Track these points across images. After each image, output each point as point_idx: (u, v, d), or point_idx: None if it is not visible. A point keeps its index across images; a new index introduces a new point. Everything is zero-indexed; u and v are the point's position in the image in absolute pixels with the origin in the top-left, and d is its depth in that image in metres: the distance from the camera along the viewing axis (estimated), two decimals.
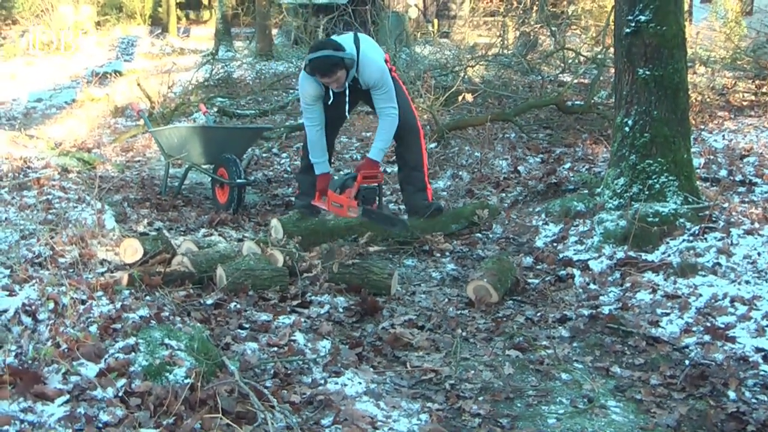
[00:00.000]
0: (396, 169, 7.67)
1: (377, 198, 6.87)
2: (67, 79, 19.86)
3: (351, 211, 6.71)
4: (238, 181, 7.81)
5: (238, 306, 5.00)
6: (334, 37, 7.02)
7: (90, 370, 3.56)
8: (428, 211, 7.04)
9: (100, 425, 3.21)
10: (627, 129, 6.61)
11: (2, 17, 32.85)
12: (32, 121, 13.84)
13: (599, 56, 11.97)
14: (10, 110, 15.56)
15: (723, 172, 7.91)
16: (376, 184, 6.85)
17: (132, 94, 14.55)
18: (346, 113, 7.14)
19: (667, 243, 6.03)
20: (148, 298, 4.78)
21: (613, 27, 7.45)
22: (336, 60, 6.53)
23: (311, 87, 6.79)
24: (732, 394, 4.01)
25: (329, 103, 6.86)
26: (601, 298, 5.46)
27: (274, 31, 26.05)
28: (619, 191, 6.64)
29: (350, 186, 6.76)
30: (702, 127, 10.26)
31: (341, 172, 7.16)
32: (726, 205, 6.55)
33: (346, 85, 6.77)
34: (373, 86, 6.78)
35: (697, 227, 6.09)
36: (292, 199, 8.33)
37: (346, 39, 6.80)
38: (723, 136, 9.79)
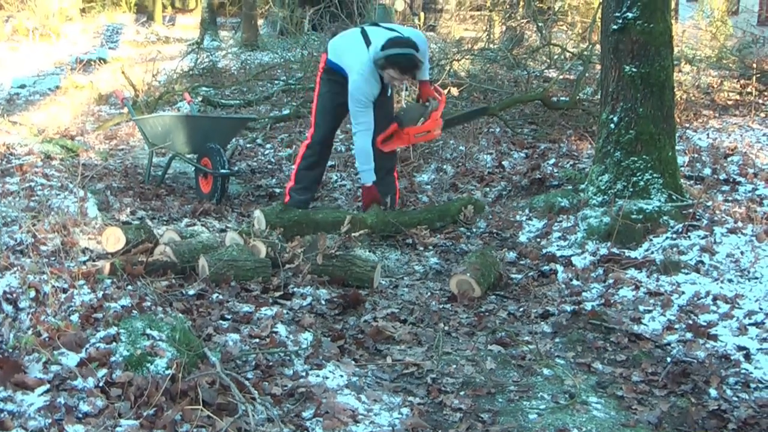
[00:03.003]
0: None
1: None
2: (51, 66, 19.72)
3: (437, 129, 7.21)
4: (222, 171, 7.78)
5: (220, 297, 4.98)
6: (351, 36, 7.12)
7: (71, 359, 3.54)
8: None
9: (80, 415, 3.20)
10: (612, 126, 6.61)
11: None
12: (15, 108, 13.74)
13: (585, 53, 11.97)
14: None
15: (707, 171, 7.93)
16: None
17: (116, 82, 14.47)
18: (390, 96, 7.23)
19: (651, 240, 6.05)
20: (129, 287, 4.75)
21: (599, 23, 7.44)
22: (418, 60, 6.72)
23: (374, 86, 6.81)
24: (713, 392, 4.02)
25: (384, 94, 6.98)
26: (583, 294, 5.47)
27: (260, 22, 25.93)
28: (603, 188, 6.65)
29: (435, 108, 7.10)
30: (687, 125, 10.28)
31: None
32: (710, 203, 6.56)
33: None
34: None
35: (681, 225, 6.11)
36: (276, 190, 8.32)
37: (376, 32, 6.95)
38: (707, 134, 9.81)
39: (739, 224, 6.10)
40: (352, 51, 6.89)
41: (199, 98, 12.38)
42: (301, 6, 21.13)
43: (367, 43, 6.81)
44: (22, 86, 16.43)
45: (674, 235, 6.03)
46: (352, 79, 6.74)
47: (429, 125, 7.05)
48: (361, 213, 6.78)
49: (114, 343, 3.68)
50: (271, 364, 4.11)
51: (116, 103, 13.51)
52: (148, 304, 4.48)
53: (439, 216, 7.08)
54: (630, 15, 6.45)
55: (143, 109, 11.11)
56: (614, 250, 6.01)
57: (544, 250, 6.37)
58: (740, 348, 4.49)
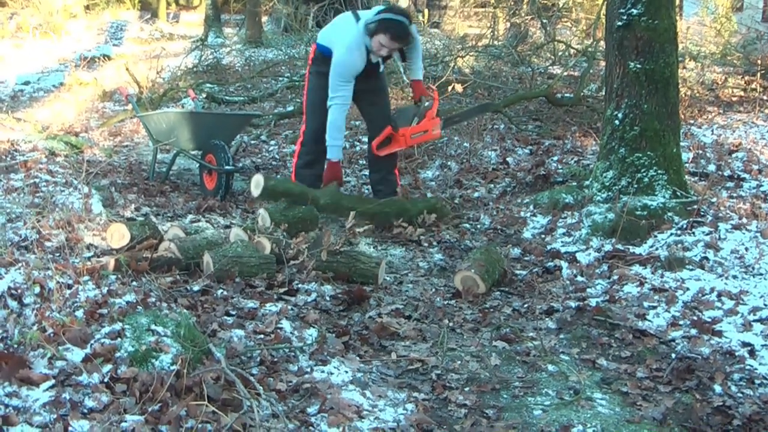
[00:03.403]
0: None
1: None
2: (55, 63, 19.74)
3: (436, 129, 7.20)
4: (227, 167, 7.77)
5: (225, 293, 4.98)
6: (341, 17, 7.18)
7: (76, 355, 3.54)
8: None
9: (86, 411, 3.20)
10: (617, 122, 6.61)
11: None
12: (20, 104, 13.76)
13: (590, 49, 11.97)
14: None
15: (711, 167, 7.93)
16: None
17: (120, 79, 14.48)
18: (381, 73, 7.22)
19: (655, 236, 6.05)
20: (134, 283, 4.75)
21: (604, 20, 7.44)
22: (410, 30, 6.76)
23: (361, 58, 6.82)
24: (718, 388, 4.01)
25: (367, 67, 6.91)
26: (588, 290, 5.47)
27: (264, 18, 25.95)
28: (607, 184, 6.65)
29: (429, 108, 7.11)
30: (691, 121, 10.28)
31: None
32: (714, 199, 6.56)
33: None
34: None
35: (685, 221, 6.11)
36: None
37: (363, 12, 6.99)
38: (712, 131, 9.81)
39: (744, 220, 6.10)
40: (341, 29, 6.95)
41: (204, 95, 12.39)
42: (305, 3, 21.14)
43: (357, 19, 6.86)
44: (26, 83, 16.45)
45: (679, 232, 6.02)
46: (337, 53, 6.78)
47: (425, 124, 7.02)
48: (312, 208, 6.73)
49: (119, 339, 3.68)
50: (276, 359, 4.11)
51: (120, 100, 13.54)
52: (153, 300, 4.48)
53: (396, 213, 6.93)
54: (634, 11, 6.44)
55: (147, 106, 11.11)
56: (619, 246, 6.00)
57: (549, 247, 6.36)
58: (745, 344, 4.48)
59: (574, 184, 7.51)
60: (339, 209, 6.54)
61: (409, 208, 7.05)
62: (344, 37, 6.79)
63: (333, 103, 6.83)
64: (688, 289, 5.22)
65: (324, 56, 6.98)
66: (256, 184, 6.43)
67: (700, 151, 8.52)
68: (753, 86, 12.11)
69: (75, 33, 26.10)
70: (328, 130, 6.90)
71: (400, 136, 7.02)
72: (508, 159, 9.15)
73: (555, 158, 8.88)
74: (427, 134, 7.14)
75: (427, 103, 7.12)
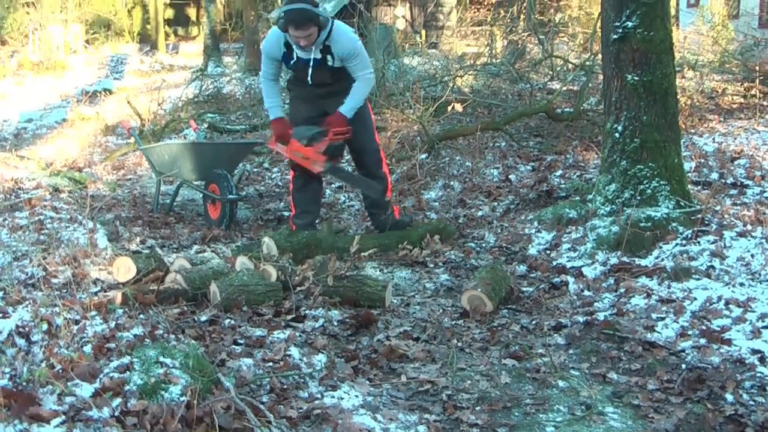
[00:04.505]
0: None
1: (341, 155, 7.19)
2: (57, 99, 19.85)
3: (317, 165, 6.88)
4: (230, 196, 7.79)
5: (233, 322, 4.99)
6: None
7: (85, 390, 3.54)
8: (399, 226, 7.20)
9: None
10: (617, 135, 6.62)
11: None
12: (23, 142, 13.82)
13: (587, 63, 12.01)
14: (1, 131, 15.55)
15: (714, 175, 7.92)
16: (343, 141, 7.02)
17: (122, 112, 14.56)
18: (308, 79, 6.96)
19: (660, 247, 6.04)
20: (141, 316, 4.76)
21: (600, 33, 7.46)
22: (311, 14, 6.50)
23: (276, 47, 6.90)
24: (730, 397, 4.00)
25: (291, 63, 6.93)
26: (595, 304, 5.46)
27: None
28: (610, 197, 6.64)
29: (319, 141, 6.83)
30: (692, 130, 10.29)
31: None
32: (718, 208, 6.56)
33: (312, 50, 6.77)
34: (346, 57, 6.82)
35: (690, 231, 6.10)
36: (285, 213, 8.33)
37: None
38: (713, 139, 9.81)
39: (749, 227, 6.09)
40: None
41: (205, 125, 12.44)
42: None
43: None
44: (29, 120, 16.53)
45: (684, 242, 6.02)
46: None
47: (308, 152, 6.87)
48: (316, 233, 6.79)
49: (128, 372, 3.68)
50: (285, 387, 4.10)
51: (123, 134, 13.57)
52: (161, 332, 4.49)
53: (396, 242, 6.93)
54: (630, 24, 6.46)
55: (150, 138, 11.17)
56: (624, 258, 6.00)
57: (555, 262, 6.36)
58: (755, 351, 4.47)
59: (578, 198, 7.52)
60: (338, 250, 6.45)
61: (409, 235, 7.07)
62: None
63: (261, 76, 7.25)
64: (695, 298, 5.20)
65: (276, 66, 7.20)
66: (268, 247, 6.39)
67: (702, 160, 8.52)
68: (752, 93, 12.13)
69: (76, 68, 26.25)
70: (263, 95, 7.31)
71: (289, 144, 7.02)
72: (510, 176, 9.15)
73: (557, 173, 8.88)
74: (306, 161, 6.95)
75: (321, 138, 6.87)
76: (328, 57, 6.82)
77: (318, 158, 6.84)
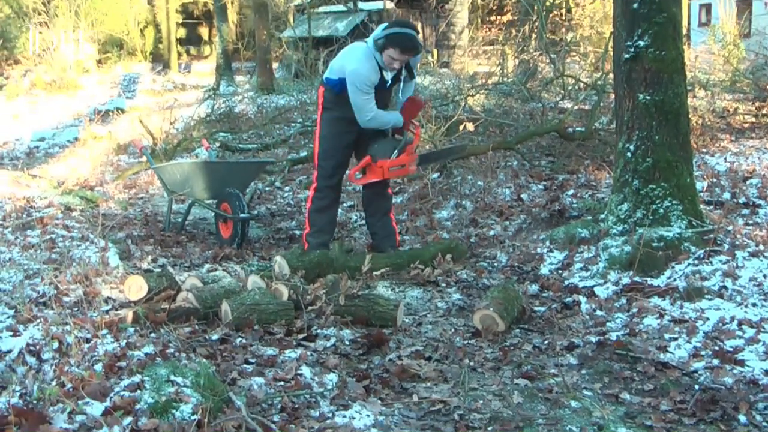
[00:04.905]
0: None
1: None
2: (69, 118, 19.92)
3: (413, 164, 7.15)
4: (242, 215, 7.80)
5: (244, 341, 4.98)
6: (354, 46, 7.11)
7: (96, 408, 3.54)
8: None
9: None
10: (629, 154, 6.60)
11: (4, 57, 33.08)
12: (35, 161, 13.86)
13: (599, 82, 12.00)
14: (13, 150, 15.61)
15: (726, 195, 7.91)
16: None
17: (134, 131, 14.60)
18: (399, 95, 7.16)
19: (673, 267, 6.02)
20: (153, 335, 4.76)
21: (611, 53, 7.46)
22: (419, 42, 6.79)
23: (374, 69, 6.79)
24: (743, 418, 3.98)
25: (386, 86, 6.94)
26: (608, 324, 5.44)
27: (275, 65, 26.14)
28: (623, 217, 6.63)
29: (409, 142, 7.06)
30: (704, 150, 10.27)
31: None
32: (730, 227, 6.54)
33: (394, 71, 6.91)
34: (414, 65, 7.08)
35: (702, 251, 6.08)
36: (296, 232, 8.33)
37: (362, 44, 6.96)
38: (725, 158, 9.79)
39: (761, 247, 6.07)
40: (348, 54, 6.93)
41: (217, 144, 12.47)
42: (314, 48, 21.30)
43: (364, 42, 6.93)
44: (42, 139, 16.58)
45: (696, 261, 6.00)
46: (350, 71, 6.73)
47: (404, 159, 6.97)
48: (328, 252, 6.78)
49: (138, 391, 3.68)
50: (297, 406, 4.09)
51: (135, 153, 13.62)
52: (172, 350, 4.49)
53: (408, 261, 6.90)
54: (641, 43, 6.46)
55: (162, 157, 11.19)
56: (637, 278, 5.98)
57: (567, 282, 6.34)
58: None
59: (590, 218, 7.50)
60: (349, 269, 6.45)
61: (422, 253, 7.06)
62: (353, 57, 6.81)
63: (367, 119, 6.84)
64: (708, 319, 5.18)
65: (335, 93, 6.94)
66: (280, 266, 6.37)
67: (714, 180, 8.51)
68: (764, 112, 12.11)
69: (88, 87, 26.35)
70: (383, 126, 7.02)
71: (378, 167, 6.98)
72: (522, 195, 9.15)
73: (569, 193, 8.87)
74: (404, 169, 7.09)
75: (408, 138, 7.10)
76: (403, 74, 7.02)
77: (413, 158, 7.09)
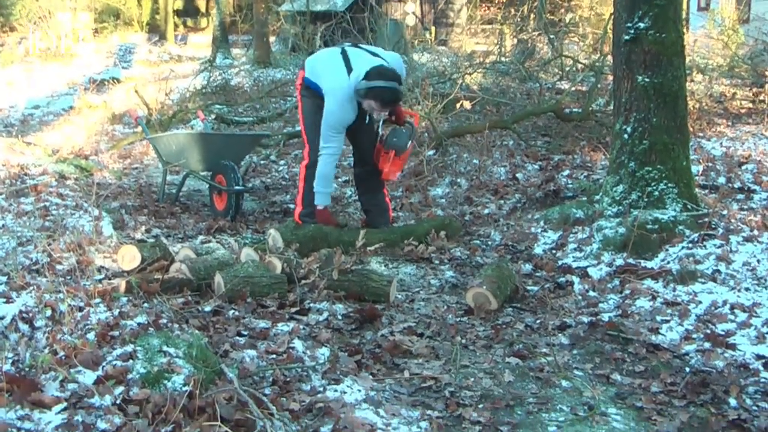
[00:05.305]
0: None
1: None
2: (64, 86, 19.83)
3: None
4: (236, 188, 7.79)
5: (237, 313, 4.98)
6: (329, 55, 7.01)
7: (88, 377, 3.54)
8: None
9: None
10: (626, 136, 6.60)
11: (0, 24, 32.92)
12: (30, 128, 13.81)
13: (597, 64, 11.99)
14: (8, 117, 15.53)
15: (721, 180, 7.92)
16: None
17: (130, 102, 14.54)
18: (379, 130, 7.15)
19: (667, 250, 6.03)
20: (146, 305, 4.76)
21: (611, 34, 7.44)
22: (401, 95, 6.77)
23: (350, 113, 6.71)
24: (733, 402, 3.99)
25: (366, 123, 6.89)
26: (600, 305, 5.45)
27: (272, 39, 26.08)
28: (618, 198, 6.63)
29: (415, 130, 7.21)
30: (700, 134, 10.27)
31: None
32: (725, 212, 6.54)
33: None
34: None
35: (697, 234, 6.09)
36: (290, 206, 8.31)
37: (358, 55, 6.81)
38: (721, 143, 9.80)
39: (755, 232, 6.08)
40: (330, 73, 6.76)
41: (213, 116, 12.42)
42: (312, 22, 21.23)
43: (348, 67, 6.67)
44: (36, 107, 16.52)
45: (690, 245, 6.00)
46: (328, 104, 6.65)
47: (411, 147, 7.08)
48: (322, 226, 6.73)
49: (131, 361, 3.68)
50: (288, 379, 4.10)
51: (130, 123, 13.56)
52: (165, 321, 4.49)
53: (402, 237, 6.88)
54: (642, 25, 6.44)
55: (157, 128, 11.16)
56: (630, 260, 5.99)
57: (560, 262, 6.35)
58: (759, 357, 4.46)
59: (585, 199, 7.50)
60: (343, 244, 6.43)
61: (415, 229, 7.05)
62: (334, 86, 6.66)
63: (324, 153, 6.77)
64: (700, 302, 5.20)
65: (310, 89, 6.91)
66: (274, 239, 6.36)
67: (710, 164, 8.51)
68: (761, 98, 12.10)
69: (84, 56, 26.25)
70: (316, 179, 6.83)
71: (399, 159, 7.00)
72: (517, 175, 9.15)
73: (565, 173, 8.88)
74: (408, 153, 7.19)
75: (411, 121, 7.11)
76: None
77: (414, 144, 7.24)
